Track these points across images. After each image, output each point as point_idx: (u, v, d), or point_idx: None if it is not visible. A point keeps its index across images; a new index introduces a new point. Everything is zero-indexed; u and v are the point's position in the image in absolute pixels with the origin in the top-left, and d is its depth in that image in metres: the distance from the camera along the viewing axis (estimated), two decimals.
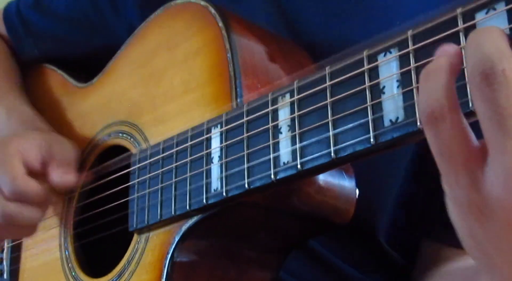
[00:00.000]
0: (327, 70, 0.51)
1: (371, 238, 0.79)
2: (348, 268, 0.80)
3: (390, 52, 0.47)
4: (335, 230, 0.68)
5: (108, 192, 0.78)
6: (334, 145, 0.50)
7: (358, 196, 0.66)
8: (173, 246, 0.64)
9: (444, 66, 0.40)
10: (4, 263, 0.94)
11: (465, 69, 0.41)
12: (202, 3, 0.70)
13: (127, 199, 0.72)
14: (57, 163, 0.79)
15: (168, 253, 0.64)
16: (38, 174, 0.78)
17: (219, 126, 0.61)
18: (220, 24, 0.66)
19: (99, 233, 0.80)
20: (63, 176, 0.79)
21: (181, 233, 0.64)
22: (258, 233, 0.67)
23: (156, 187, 0.67)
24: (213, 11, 0.68)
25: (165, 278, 0.64)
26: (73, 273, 0.80)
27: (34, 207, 0.77)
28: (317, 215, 0.66)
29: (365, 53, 0.49)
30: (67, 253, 0.82)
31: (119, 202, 0.74)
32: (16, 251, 0.92)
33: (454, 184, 0.40)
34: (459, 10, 0.43)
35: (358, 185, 0.66)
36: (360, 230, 0.76)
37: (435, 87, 0.39)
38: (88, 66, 0.96)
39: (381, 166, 0.75)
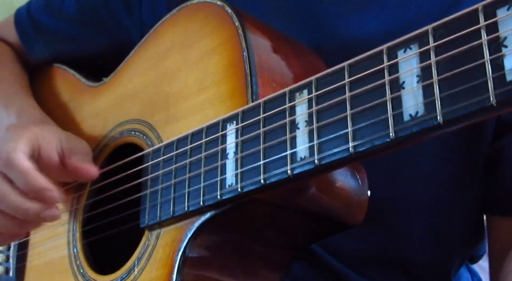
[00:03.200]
0: (346, 65, 0.52)
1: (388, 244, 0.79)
2: (357, 276, 0.80)
3: (410, 48, 0.47)
4: (347, 230, 0.67)
5: (118, 189, 0.78)
6: (353, 140, 0.50)
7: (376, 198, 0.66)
8: (185, 242, 0.64)
9: None
10: (11, 260, 0.94)
11: None
12: (219, 3, 0.70)
13: (138, 195, 0.72)
14: (77, 157, 0.78)
15: (179, 250, 0.64)
16: (55, 165, 0.77)
17: (235, 122, 0.61)
18: (237, 23, 0.67)
19: (108, 230, 0.80)
20: (86, 165, 0.78)
21: (193, 229, 0.64)
22: (269, 230, 0.67)
23: (169, 183, 0.67)
24: (229, 10, 0.68)
25: (176, 275, 0.64)
26: (81, 270, 0.79)
27: (39, 202, 0.75)
28: (328, 215, 0.66)
29: (384, 48, 0.49)
30: (75, 250, 0.82)
31: (130, 198, 0.74)
32: (22, 248, 0.92)
33: None
34: (480, 7, 0.44)
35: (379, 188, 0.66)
36: (377, 234, 0.77)
37: None
38: (98, 66, 0.96)
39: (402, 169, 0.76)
